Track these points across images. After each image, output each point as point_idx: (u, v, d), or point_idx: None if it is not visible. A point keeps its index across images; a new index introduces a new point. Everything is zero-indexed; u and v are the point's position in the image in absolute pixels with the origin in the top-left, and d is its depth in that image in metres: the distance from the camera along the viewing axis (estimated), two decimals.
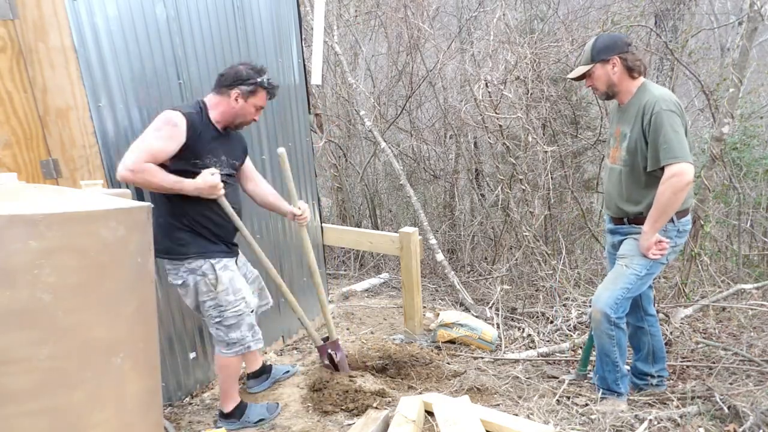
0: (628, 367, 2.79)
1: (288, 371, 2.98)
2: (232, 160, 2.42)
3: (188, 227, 2.28)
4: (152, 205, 1.53)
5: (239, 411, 2.53)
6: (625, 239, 2.50)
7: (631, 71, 2.37)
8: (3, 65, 2.11)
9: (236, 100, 2.28)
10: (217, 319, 2.35)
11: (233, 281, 2.37)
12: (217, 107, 2.30)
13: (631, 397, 2.61)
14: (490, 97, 5.10)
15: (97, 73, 2.24)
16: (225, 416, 2.52)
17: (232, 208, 2.36)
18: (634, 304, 2.60)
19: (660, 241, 2.34)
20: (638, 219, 2.41)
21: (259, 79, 2.29)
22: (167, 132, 2.11)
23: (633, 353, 2.79)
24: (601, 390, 2.60)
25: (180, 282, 2.32)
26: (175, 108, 2.21)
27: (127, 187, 2.32)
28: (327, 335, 2.92)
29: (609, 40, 2.38)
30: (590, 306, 3.90)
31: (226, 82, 2.28)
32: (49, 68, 2.17)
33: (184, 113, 2.17)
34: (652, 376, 2.69)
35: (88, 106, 2.23)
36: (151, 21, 2.44)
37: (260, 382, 2.88)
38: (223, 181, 2.26)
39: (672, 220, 2.33)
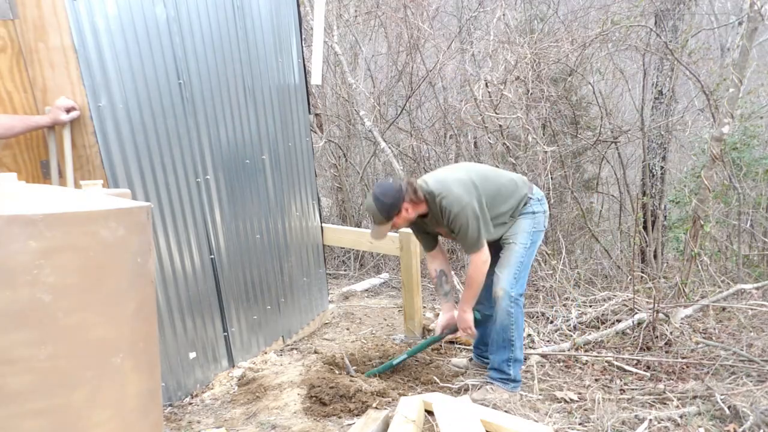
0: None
1: None
2: None
3: None
4: (151, 205, 1.53)
5: None
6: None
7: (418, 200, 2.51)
8: (3, 65, 2.11)
9: None
10: None
11: None
12: None
13: (623, 396, 2.61)
14: (490, 97, 5.11)
15: (97, 73, 2.24)
16: None
17: None
18: (489, 293, 2.72)
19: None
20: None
21: None
22: None
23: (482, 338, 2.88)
24: (490, 373, 2.70)
25: None
26: None
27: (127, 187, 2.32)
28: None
29: (392, 197, 2.45)
30: (590, 306, 3.93)
31: None
32: (49, 68, 2.17)
33: None
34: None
35: (88, 106, 2.22)
36: (151, 21, 2.44)
37: None
38: None
39: (527, 202, 2.64)
